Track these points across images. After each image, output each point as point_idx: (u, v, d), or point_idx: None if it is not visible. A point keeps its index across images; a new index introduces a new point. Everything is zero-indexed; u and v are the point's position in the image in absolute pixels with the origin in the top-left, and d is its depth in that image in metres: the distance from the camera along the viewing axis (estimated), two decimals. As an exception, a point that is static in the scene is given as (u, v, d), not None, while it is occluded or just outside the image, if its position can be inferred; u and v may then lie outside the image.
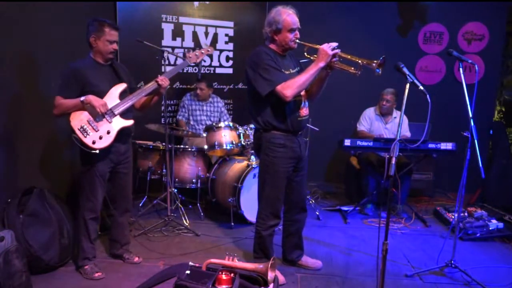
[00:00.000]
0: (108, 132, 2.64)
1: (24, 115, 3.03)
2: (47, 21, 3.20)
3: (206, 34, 4.68)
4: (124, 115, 2.72)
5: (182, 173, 3.96)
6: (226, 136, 3.80)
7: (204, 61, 4.71)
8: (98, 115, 2.59)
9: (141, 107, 2.94)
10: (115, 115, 2.68)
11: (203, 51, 3.11)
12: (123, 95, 2.74)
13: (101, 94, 2.64)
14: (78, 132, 2.55)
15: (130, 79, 2.87)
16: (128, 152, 2.91)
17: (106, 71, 2.74)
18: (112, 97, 2.68)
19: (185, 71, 4.66)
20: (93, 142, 2.58)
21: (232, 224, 3.70)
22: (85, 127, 2.57)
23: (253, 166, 3.69)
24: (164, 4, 4.40)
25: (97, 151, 2.60)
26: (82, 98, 2.55)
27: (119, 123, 2.69)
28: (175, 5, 4.47)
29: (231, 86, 4.95)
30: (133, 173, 4.19)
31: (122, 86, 2.74)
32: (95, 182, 2.71)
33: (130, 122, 2.75)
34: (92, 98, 2.56)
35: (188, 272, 2.03)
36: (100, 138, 2.60)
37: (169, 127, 3.67)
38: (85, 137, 2.56)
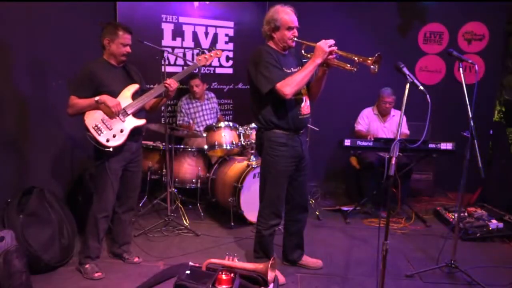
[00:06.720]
0: (122, 131, 2.70)
1: (24, 115, 3.03)
2: (47, 22, 3.19)
3: (206, 34, 4.68)
4: (136, 114, 2.78)
5: (182, 173, 3.96)
6: (226, 136, 3.80)
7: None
8: (112, 114, 2.64)
9: (150, 108, 3.00)
10: (128, 115, 2.73)
11: (212, 54, 3.15)
12: (135, 96, 2.80)
13: (114, 94, 2.69)
14: (92, 130, 2.61)
15: (141, 80, 2.93)
16: (139, 151, 2.96)
17: (119, 73, 2.79)
18: (125, 97, 2.75)
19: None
20: (107, 140, 2.64)
21: (232, 224, 3.70)
22: (99, 125, 2.63)
23: (253, 166, 3.68)
24: (164, 4, 4.40)
25: (111, 149, 2.64)
26: (96, 98, 2.60)
27: (132, 122, 2.75)
28: (175, 5, 4.46)
29: (231, 86, 4.94)
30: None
31: (134, 87, 2.80)
32: (107, 179, 2.74)
33: (142, 122, 2.81)
34: (106, 98, 2.61)
35: (188, 272, 2.03)
36: (114, 136, 2.67)
37: (169, 127, 3.66)
38: (99, 135, 2.62)
